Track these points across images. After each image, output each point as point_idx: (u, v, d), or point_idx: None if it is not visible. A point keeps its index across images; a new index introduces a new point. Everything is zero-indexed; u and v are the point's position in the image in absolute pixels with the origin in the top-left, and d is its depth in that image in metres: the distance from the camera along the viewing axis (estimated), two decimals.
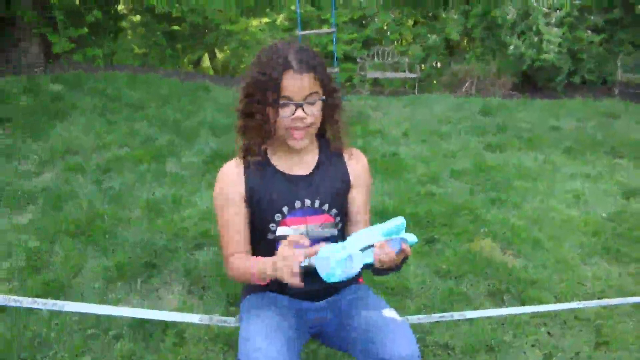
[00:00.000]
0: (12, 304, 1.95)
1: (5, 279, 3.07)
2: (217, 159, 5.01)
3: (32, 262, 3.21)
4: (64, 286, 2.98)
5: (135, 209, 4.01)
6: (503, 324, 2.74)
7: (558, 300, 3.00)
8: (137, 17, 11.06)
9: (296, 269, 1.42)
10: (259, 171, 1.71)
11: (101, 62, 9.40)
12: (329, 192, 1.72)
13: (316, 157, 1.76)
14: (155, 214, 3.92)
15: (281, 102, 1.57)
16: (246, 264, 1.63)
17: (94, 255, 3.33)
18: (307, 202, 1.70)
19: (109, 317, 2.62)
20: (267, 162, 1.73)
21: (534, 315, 2.80)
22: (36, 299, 1.99)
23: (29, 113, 6.10)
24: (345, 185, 1.77)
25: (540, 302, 2.91)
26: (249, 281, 1.65)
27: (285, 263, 1.44)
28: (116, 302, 2.87)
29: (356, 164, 1.81)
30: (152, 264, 3.23)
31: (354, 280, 1.86)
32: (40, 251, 3.33)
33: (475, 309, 2.88)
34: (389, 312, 1.67)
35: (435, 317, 2.23)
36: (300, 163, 1.74)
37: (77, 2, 10.12)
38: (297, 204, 1.70)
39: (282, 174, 1.71)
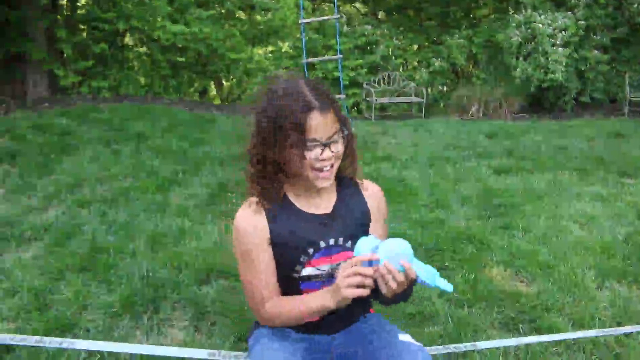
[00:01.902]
0: (18, 342, 1.90)
1: (10, 318, 3.03)
2: (223, 190, 4.98)
3: (36, 300, 3.16)
4: (69, 324, 2.92)
5: (140, 242, 3.96)
6: (517, 353, 2.65)
7: (574, 327, 2.91)
8: (143, 49, 11.17)
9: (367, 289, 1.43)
10: (280, 213, 1.66)
11: (107, 93, 9.47)
12: (350, 230, 1.68)
13: (334, 193, 1.73)
14: (160, 247, 3.88)
15: (308, 144, 1.52)
16: (290, 305, 1.62)
17: (98, 291, 3.27)
18: (331, 241, 1.67)
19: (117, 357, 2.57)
20: (287, 202, 1.68)
21: (550, 344, 2.72)
22: (43, 337, 1.96)
23: (37, 148, 6.13)
24: (366, 219, 1.74)
25: (557, 330, 2.82)
26: (292, 322, 1.64)
27: (350, 288, 1.43)
28: (122, 339, 2.81)
29: (373, 196, 1.78)
30: (158, 298, 3.18)
31: (366, 310, 1.84)
32: (45, 289, 3.28)
33: (488, 338, 2.79)
34: (405, 337, 1.65)
35: (450, 347, 2.16)
36: (320, 201, 1.70)
37: (85, 35, 10.25)
38: (322, 244, 1.66)
39: (305, 214, 1.67)
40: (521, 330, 2.90)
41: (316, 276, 1.66)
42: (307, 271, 1.66)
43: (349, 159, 1.69)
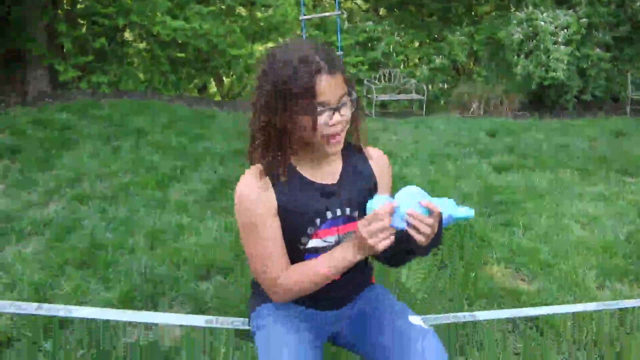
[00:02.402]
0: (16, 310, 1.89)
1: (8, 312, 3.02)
2: (223, 186, 4.97)
3: (36, 295, 3.15)
4: (68, 320, 2.92)
5: (139, 237, 3.96)
6: (518, 354, 2.64)
7: (574, 326, 2.89)
8: (143, 44, 11.14)
9: (391, 238, 1.42)
10: (287, 182, 1.56)
11: (107, 89, 9.45)
12: (357, 199, 1.62)
13: (340, 163, 1.66)
14: (159, 243, 3.87)
15: (318, 109, 1.44)
16: (309, 271, 1.55)
17: (97, 287, 3.27)
18: (338, 211, 1.60)
19: None
20: (293, 171, 1.59)
21: (553, 342, 2.71)
22: (41, 304, 1.95)
23: (37, 143, 6.10)
24: (373, 187, 1.68)
25: (556, 328, 2.81)
26: (312, 288, 1.57)
27: (376, 238, 1.40)
28: (120, 335, 2.80)
29: (379, 164, 1.72)
30: (156, 294, 3.17)
31: (367, 281, 1.81)
32: (45, 284, 3.27)
33: (488, 335, 2.78)
34: (416, 320, 1.61)
35: (450, 317, 2.15)
36: (326, 169, 1.63)
37: (84, 30, 10.22)
38: (329, 214, 1.59)
39: (312, 184, 1.60)
40: (521, 328, 2.89)
41: (323, 248, 1.59)
42: (313, 242, 1.60)
43: (354, 124, 1.61)
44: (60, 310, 1.92)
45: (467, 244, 3.86)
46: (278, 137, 1.50)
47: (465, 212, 1.48)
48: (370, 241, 1.40)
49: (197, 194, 4.91)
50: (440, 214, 1.45)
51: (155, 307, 3.07)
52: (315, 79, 1.41)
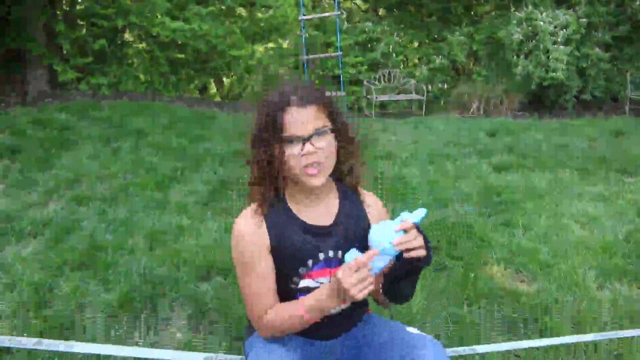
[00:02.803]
0: (15, 345, 1.89)
1: (8, 316, 3.01)
2: (223, 187, 4.97)
3: (35, 296, 3.15)
4: (67, 322, 2.92)
5: (139, 239, 3.95)
6: (518, 356, 2.64)
7: (575, 328, 2.90)
8: (143, 45, 11.14)
9: (368, 290, 1.42)
10: (281, 222, 1.61)
11: (106, 90, 9.45)
12: (351, 242, 1.62)
13: (336, 205, 1.68)
14: (159, 244, 3.87)
15: (286, 140, 1.50)
16: (291, 313, 1.57)
17: (97, 288, 3.26)
18: (331, 253, 1.63)
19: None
20: (288, 211, 1.63)
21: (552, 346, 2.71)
22: (41, 339, 1.95)
23: (37, 143, 6.10)
24: (366, 232, 1.66)
25: (558, 331, 2.81)
26: (294, 328, 1.59)
27: (359, 286, 1.41)
28: (119, 339, 2.80)
29: (374, 208, 1.73)
30: (156, 296, 3.17)
31: (363, 312, 1.81)
32: (44, 285, 3.27)
33: (488, 338, 2.78)
34: (413, 330, 1.63)
35: (448, 352, 2.15)
36: (321, 211, 1.65)
37: (84, 31, 10.22)
38: (321, 256, 1.62)
39: (305, 224, 1.62)
40: (521, 330, 2.89)
41: (315, 289, 1.59)
42: (305, 283, 1.63)
43: (347, 164, 1.65)
44: (60, 345, 1.92)
45: (466, 245, 3.86)
46: (264, 170, 1.57)
47: (419, 213, 1.49)
48: (353, 291, 1.40)
49: (197, 195, 4.91)
50: (415, 225, 1.48)
51: (154, 309, 3.07)
52: (283, 112, 1.49)
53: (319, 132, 1.51)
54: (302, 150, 1.49)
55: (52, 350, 2.32)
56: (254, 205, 1.63)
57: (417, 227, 1.49)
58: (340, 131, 1.59)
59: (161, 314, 3.04)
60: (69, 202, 4.62)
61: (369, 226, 1.65)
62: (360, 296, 1.40)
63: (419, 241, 1.46)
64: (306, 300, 1.54)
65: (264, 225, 1.60)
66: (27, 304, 3.07)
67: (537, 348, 2.65)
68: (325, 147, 1.52)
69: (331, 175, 1.63)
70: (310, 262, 1.62)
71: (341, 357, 1.75)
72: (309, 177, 1.53)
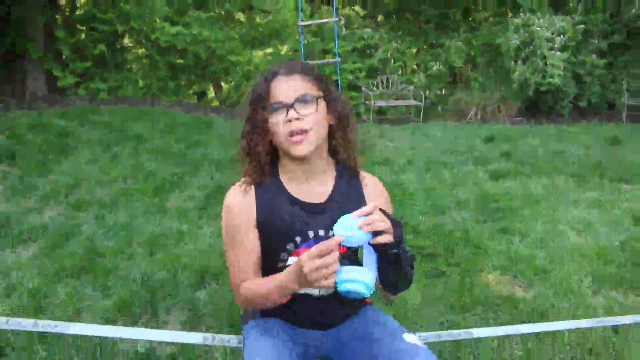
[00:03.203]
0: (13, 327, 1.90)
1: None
2: (220, 193, 4.98)
3: (32, 302, 3.16)
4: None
5: (137, 244, 3.96)
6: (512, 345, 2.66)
7: (571, 333, 2.91)
8: (142, 50, 11.15)
9: (333, 278, 1.37)
10: (271, 196, 1.63)
11: (105, 95, 9.46)
12: None
13: (332, 184, 1.67)
14: (157, 249, 3.88)
15: (272, 107, 1.54)
16: (263, 283, 1.58)
17: (94, 294, 3.27)
18: (321, 232, 1.62)
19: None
20: (279, 186, 1.64)
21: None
22: (37, 321, 1.95)
23: (36, 148, 6.10)
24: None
25: (554, 337, 2.82)
26: (264, 302, 1.59)
27: (319, 272, 1.36)
28: (116, 345, 2.81)
29: (373, 191, 1.73)
30: (154, 301, 3.18)
31: (362, 301, 1.79)
32: (42, 290, 3.28)
33: (485, 345, 2.79)
34: (411, 338, 1.59)
35: (444, 334, 2.15)
36: (315, 189, 1.65)
37: (83, 36, 10.23)
38: (310, 234, 1.62)
39: (296, 200, 1.63)
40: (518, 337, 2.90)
41: None
42: (293, 260, 1.61)
43: (341, 143, 1.66)
44: (56, 326, 1.92)
45: (462, 252, 3.88)
46: (254, 142, 1.60)
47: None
48: (311, 277, 1.37)
49: (195, 200, 4.92)
50: (377, 206, 1.45)
51: (154, 314, 3.08)
52: (270, 82, 1.55)
53: (303, 99, 1.54)
54: (286, 116, 1.53)
55: (49, 332, 2.31)
56: (245, 179, 1.66)
57: (384, 211, 1.47)
58: (330, 100, 1.61)
59: (159, 319, 3.05)
60: (68, 207, 4.63)
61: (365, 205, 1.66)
62: (323, 284, 1.36)
63: (386, 224, 1.43)
64: (276, 278, 1.53)
65: (253, 198, 1.63)
66: (25, 309, 3.08)
67: (536, 334, 2.65)
68: (310, 115, 1.54)
69: (330, 155, 1.67)
70: (298, 239, 1.61)
71: (329, 349, 1.74)
72: (294, 145, 1.55)
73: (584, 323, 2.33)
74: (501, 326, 2.65)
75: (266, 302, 1.59)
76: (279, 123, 1.54)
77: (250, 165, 1.63)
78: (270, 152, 1.63)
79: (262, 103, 1.55)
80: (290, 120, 1.53)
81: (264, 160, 1.62)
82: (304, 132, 1.53)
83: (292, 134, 1.53)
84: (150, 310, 3.11)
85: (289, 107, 1.52)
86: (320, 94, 1.58)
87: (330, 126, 1.64)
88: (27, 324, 1.93)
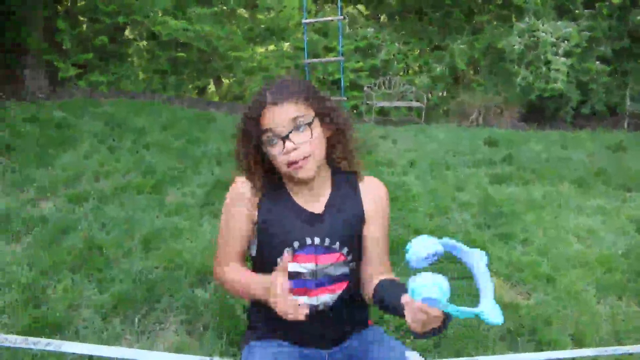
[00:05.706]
0: (3, 343, 1.85)
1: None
2: (219, 188, 4.93)
3: (27, 296, 3.10)
4: (59, 323, 2.87)
5: (135, 240, 3.91)
6: None
7: (575, 342, 2.87)
8: (143, 43, 11.10)
9: (303, 312, 1.34)
10: (275, 199, 1.62)
11: (105, 88, 9.40)
12: (340, 231, 1.61)
13: (328, 193, 1.65)
14: (155, 245, 3.83)
15: (266, 138, 1.51)
16: (243, 279, 1.59)
17: (91, 289, 3.22)
18: (317, 240, 1.60)
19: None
20: (283, 190, 1.64)
21: None
22: (27, 337, 1.90)
23: (34, 141, 6.05)
24: (359, 222, 1.65)
25: (557, 345, 2.79)
26: (236, 293, 1.65)
27: (287, 310, 1.34)
28: (113, 341, 2.76)
29: (372, 196, 1.69)
30: (151, 298, 3.13)
31: (363, 322, 1.76)
32: (38, 285, 3.23)
33: (487, 351, 2.75)
34: (413, 356, 1.56)
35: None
36: (314, 198, 1.63)
37: (85, 28, 10.18)
38: (308, 240, 1.59)
39: (297, 206, 1.62)
40: (520, 344, 2.86)
41: (299, 273, 1.59)
42: (292, 266, 1.58)
43: (339, 151, 1.64)
44: (49, 345, 1.87)
45: None
46: (254, 167, 1.60)
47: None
48: (276, 305, 1.35)
49: (195, 196, 4.87)
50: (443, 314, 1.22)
51: (151, 310, 3.03)
52: (261, 112, 1.51)
53: (297, 127, 1.50)
54: (283, 147, 1.50)
55: (40, 350, 2.28)
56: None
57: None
58: (325, 116, 1.57)
59: (155, 316, 3.00)
60: (66, 202, 4.57)
61: (362, 214, 1.65)
62: (289, 316, 1.34)
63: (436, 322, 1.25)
64: (255, 279, 1.54)
65: (257, 197, 1.62)
66: (21, 304, 3.03)
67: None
68: (307, 140, 1.51)
69: (328, 163, 1.65)
70: (296, 244, 1.59)
71: None
72: (295, 170, 1.53)
73: (588, 352, 2.31)
74: (503, 354, 2.63)
75: (237, 294, 1.66)
76: (276, 156, 1.52)
77: (251, 180, 1.63)
78: (270, 168, 1.61)
79: (256, 131, 1.52)
80: (286, 153, 1.50)
81: (262, 177, 1.63)
82: (304, 159, 1.52)
83: (290, 164, 1.52)
84: (147, 307, 3.06)
85: (284, 138, 1.49)
86: (313, 113, 1.54)
87: (328, 138, 1.61)
88: (16, 339, 1.88)
